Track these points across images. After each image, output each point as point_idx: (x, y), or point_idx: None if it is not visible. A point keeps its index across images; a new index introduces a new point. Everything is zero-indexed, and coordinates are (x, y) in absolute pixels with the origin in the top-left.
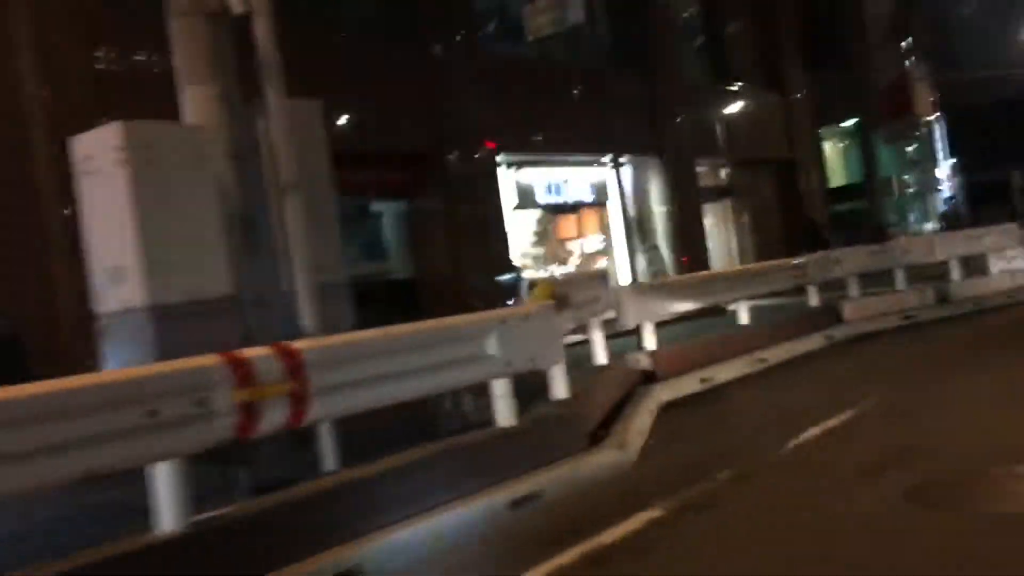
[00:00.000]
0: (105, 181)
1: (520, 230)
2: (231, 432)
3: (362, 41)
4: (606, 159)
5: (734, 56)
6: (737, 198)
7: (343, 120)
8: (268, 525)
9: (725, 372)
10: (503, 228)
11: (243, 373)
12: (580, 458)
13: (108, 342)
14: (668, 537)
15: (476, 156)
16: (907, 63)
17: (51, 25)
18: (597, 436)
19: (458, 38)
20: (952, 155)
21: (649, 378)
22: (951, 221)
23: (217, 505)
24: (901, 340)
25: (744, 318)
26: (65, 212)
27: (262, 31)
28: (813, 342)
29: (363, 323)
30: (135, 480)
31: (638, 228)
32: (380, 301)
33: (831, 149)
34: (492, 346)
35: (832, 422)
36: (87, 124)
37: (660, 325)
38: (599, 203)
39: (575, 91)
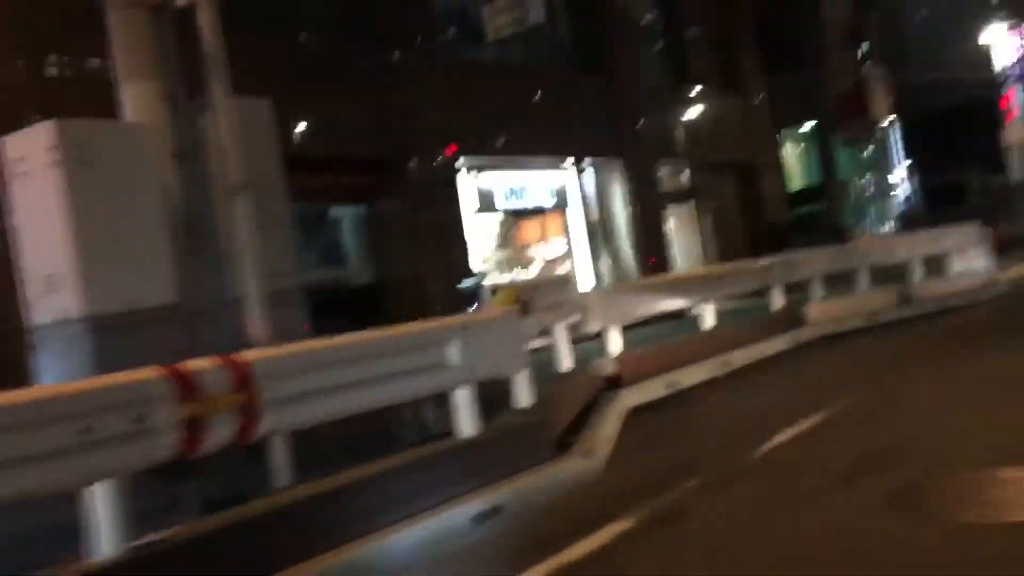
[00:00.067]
0: (38, 184)
1: (482, 235)
2: (174, 450)
3: (320, 44)
4: (568, 163)
5: (694, 59)
6: (699, 201)
7: (301, 124)
8: (215, 547)
9: (692, 376)
10: (464, 233)
11: (187, 386)
12: (546, 468)
13: (42, 355)
14: (638, 551)
15: (436, 160)
16: (863, 67)
17: None
18: (563, 444)
19: (418, 41)
20: (908, 157)
21: (615, 383)
22: (907, 222)
23: (161, 526)
24: (867, 341)
25: (709, 321)
26: None
27: (206, 23)
28: (779, 344)
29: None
30: (72, 501)
31: (601, 232)
32: (340, 308)
33: (790, 152)
34: (453, 353)
35: (803, 426)
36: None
37: (625, 329)
38: (561, 207)
39: (536, 95)
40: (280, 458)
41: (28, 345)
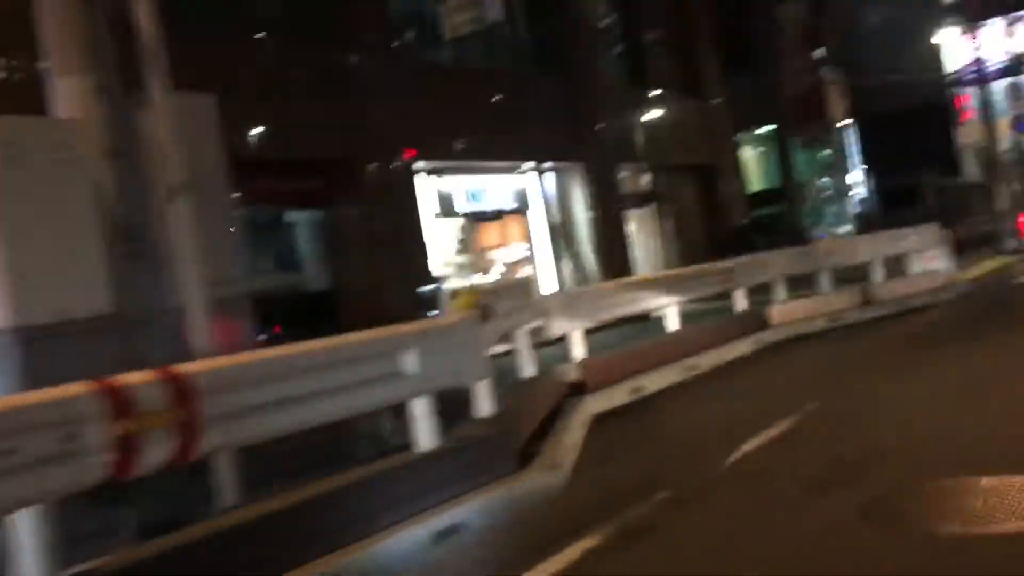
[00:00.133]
0: None
1: (441, 239)
2: (106, 471)
3: (274, 46)
4: (528, 166)
5: (653, 63)
6: (659, 204)
7: (255, 126)
8: (152, 575)
9: (657, 381)
10: (423, 238)
11: (120, 402)
12: (509, 481)
13: None
14: (606, 569)
15: (394, 164)
16: (820, 70)
17: None
18: (526, 455)
19: (375, 43)
20: (864, 160)
21: (578, 389)
22: (864, 224)
23: (93, 554)
24: (831, 343)
25: (673, 324)
26: None
27: (143, 14)
28: (743, 347)
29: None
30: None
31: (562, 235)
32: (296, 315)
33: (749, 155)
34: (411, 362)
35: (772, 432)
36: None
37: (588, 333)
38: (522, 211)
39: (495, 97)
40: (225, 477)
41: None
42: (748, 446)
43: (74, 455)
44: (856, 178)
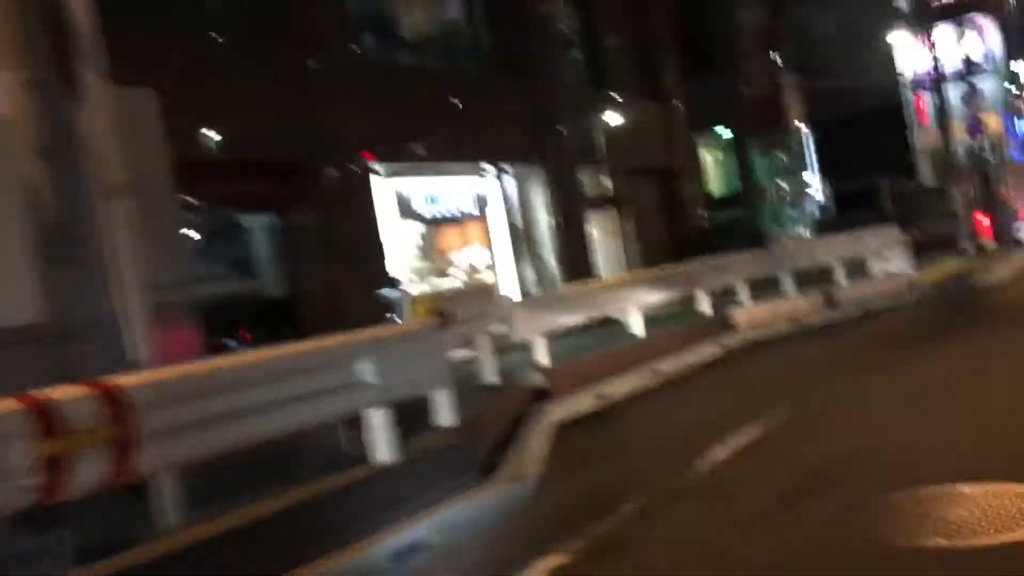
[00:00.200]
0: None
1: (401, 243)
2: (32, 494)
3: (229, 45)
4: (488, 168)
5: (613, 65)
6: (620, 207)
7: (208, 127)
8: None
9: (621, 386)
10: (382, 242)
11: (49, 420)
12: (471, 495)
13: None
14: None
15: (353, 167)
16: (778, 74)
17: None
18: (489, 466)
19: (333, 44)
20: (820, 163)
21: (542, 396)
22: (821, 227)
23: None
24: (796, 346)
25: (637, 328)
26: None
27: (79, 4)
28: (708, 351)
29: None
30: None
31: (523, 238)
32: (252, 321)
33: (709, 158)
34: (367, 371)
35: (741, 439)
36: None
37: (551, 337)
38: (482, 214)
39: (455, 99)
40: (168, 496)
41: None
42: (717, 454)
43: None
44: (813, 181)
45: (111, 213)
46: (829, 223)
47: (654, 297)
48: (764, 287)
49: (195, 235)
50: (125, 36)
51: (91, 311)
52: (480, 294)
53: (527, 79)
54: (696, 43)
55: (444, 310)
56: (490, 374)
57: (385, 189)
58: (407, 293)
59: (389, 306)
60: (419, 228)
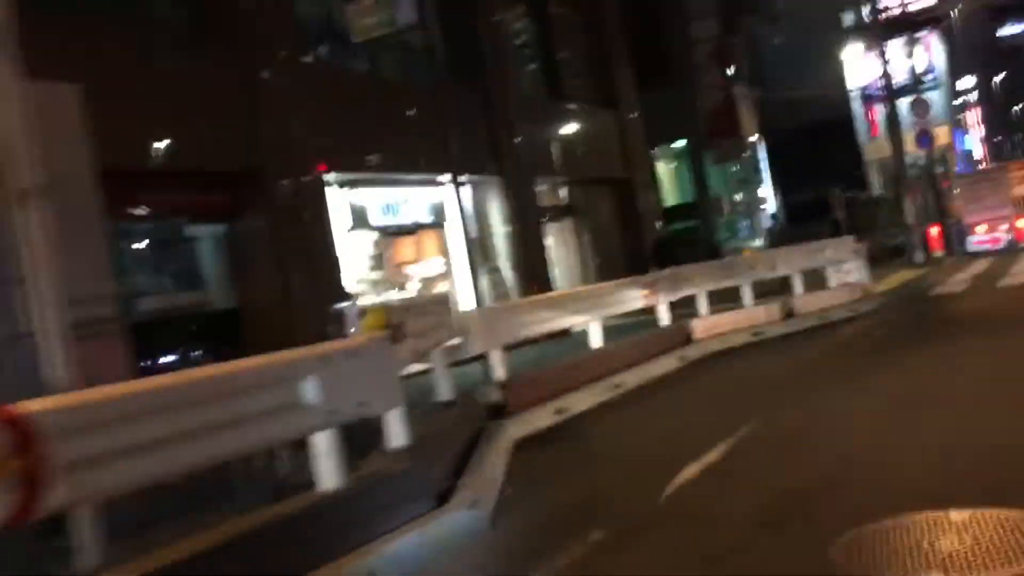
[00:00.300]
0: None
1: (355, 254)
2: None
3: (176, 52)
4: (445, 178)
5: (569, 76)
6: (577, 218)
7: (152, 135)
8: None
9: (582, 401)
10: (335, 253)
11: None
12: (424, 523)
13: None
14: None
15: (304, 176)
16: (732, 86)
17: None
18: (444, 491)
19: (283, 51)
20: (773, 174)
21: (499, 412)
22: (775, 238)
23: None
24: (757, 358)
25: (596, 340)
26: None
27: None
28: (668, 363)
29: (179, 363)
30: None
31: (480, 249)
32: (197, 336)
33: (664, 169)
34: (311, 391)
35: (709, 457)
36: None
37: (509, 350)
38: (438, 224)
39: (410, 108)
40: (90, 532)
41: None
42: (686, 475)
43: None
44: (766, 192)
45: (25, 219)
46: (782, 234)
47: (614, 308)
48: (723, 298)
49: (138, 246)
50: (55, 33)
51: (1, 328)
52: (435, 306)
53: (484, 89)
54: (651, 55)
55: (395, 324)
56: (445, 390)
57: (339, 199)
58: (358, 305)
59: (336, 319)
60: (373, 239)
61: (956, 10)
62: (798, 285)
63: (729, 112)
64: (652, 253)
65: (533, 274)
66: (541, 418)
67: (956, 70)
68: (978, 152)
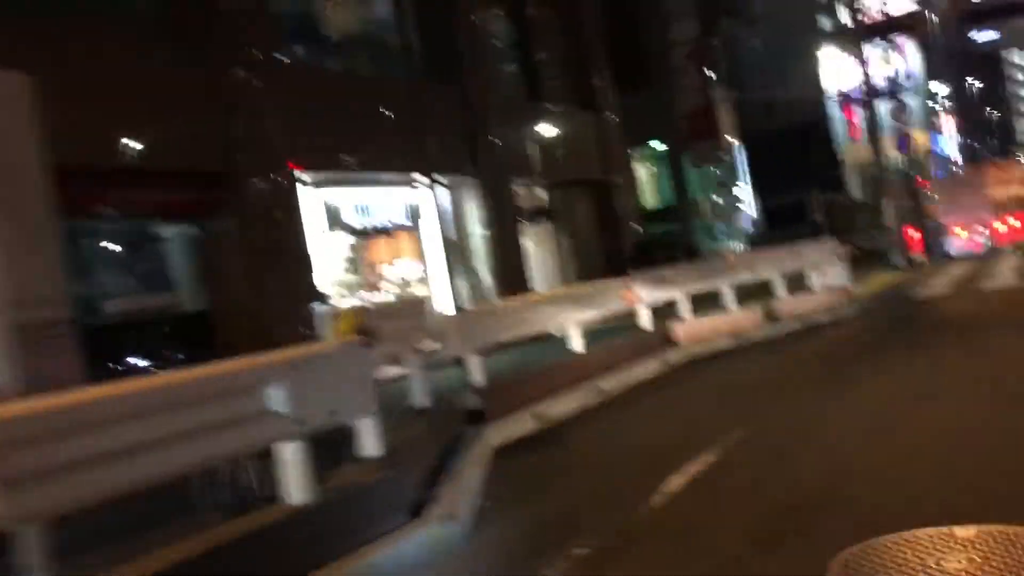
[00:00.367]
0: None
1: (330, 255)
2: None
3: (146, 51)
4: (421, 179)
5: (548, 77)
6: (555, 220)
7: (120, 133)
8: None
9: (562, 406)
10: (309, 254)
11: None
12: (398, 538)
13: None
14: None
15: (277, 176)
16: (711, 89)
17: None
18: (420, 502)
19: (256, 49)
20: (751, 177)
21: (477, 418)
22: (753, 241)
23: None
24: (739, 363)
25: (576, 344)
26: None
27: None
28: (650, 368)
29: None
30: None
31: (457, 251)
32: (166, 338)
33: (643, 171)
34: (278, 399)
35: (694, 467)
36: None
37: (487, 354)
38: (415, 226)
39: (386, 107)
40: (37, 551)
41: None
42: (672, 485)
43: None
44: (745, 195)
45: None
46: (761, 236)
47: (594, 311)
48: (705, 301)
49: (105, 246)
50: (15, 26)
51: None
52: (410, 309)
53: (461, 89)
54: (630, 57)
55: (368, 327)
56: (420, 396)
57: (313, 199)
58: (331, 307)
59: (307, 322)
60: (349, 240)
61: (934, 15)
62: (780, 288)
63: (707, 114)
64: (631, 255)
65: (509, 273)
66: (520, 425)
67: (932, 74)
68: (953, 154)
